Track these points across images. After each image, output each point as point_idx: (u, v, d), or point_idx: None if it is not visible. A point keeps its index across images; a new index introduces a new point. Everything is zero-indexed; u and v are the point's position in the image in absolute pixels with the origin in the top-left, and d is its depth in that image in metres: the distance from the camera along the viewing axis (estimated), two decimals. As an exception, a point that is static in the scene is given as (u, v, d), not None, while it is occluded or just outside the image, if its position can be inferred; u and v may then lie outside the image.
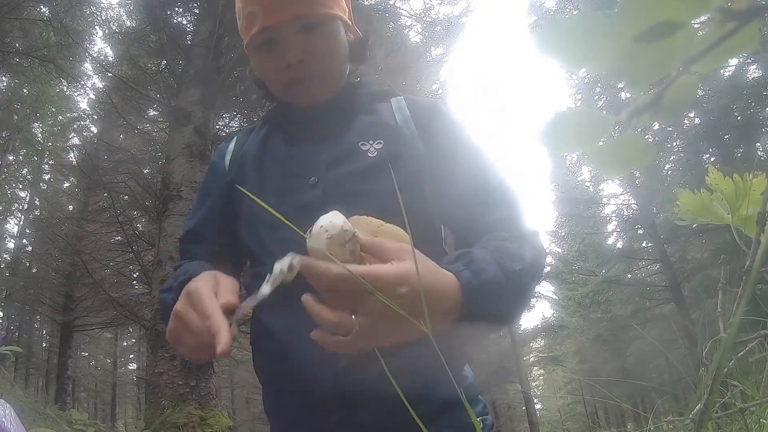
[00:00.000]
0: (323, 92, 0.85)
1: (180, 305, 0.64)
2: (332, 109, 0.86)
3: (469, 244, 0.71)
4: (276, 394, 0.82)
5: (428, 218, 0.81)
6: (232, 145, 0.94)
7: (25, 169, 14.59)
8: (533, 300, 15.34)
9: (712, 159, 9.47)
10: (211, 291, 0.64)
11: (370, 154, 0.80)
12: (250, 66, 0.91)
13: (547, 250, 0.79)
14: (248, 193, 0.68)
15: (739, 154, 8.88)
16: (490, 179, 0.79)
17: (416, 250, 0.54)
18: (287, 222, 0.55)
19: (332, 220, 0.55)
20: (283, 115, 0.90)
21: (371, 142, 0.81)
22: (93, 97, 10.36)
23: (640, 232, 12.32)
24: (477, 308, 0.59)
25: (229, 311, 0.61)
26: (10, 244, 14.42)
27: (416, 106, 0.87)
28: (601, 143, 0.23)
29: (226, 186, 0.90)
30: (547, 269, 15.67)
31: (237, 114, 7.41)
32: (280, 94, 0.87)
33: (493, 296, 0.60)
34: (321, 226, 0.54)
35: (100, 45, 11.64)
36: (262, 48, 0.81)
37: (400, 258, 0.55)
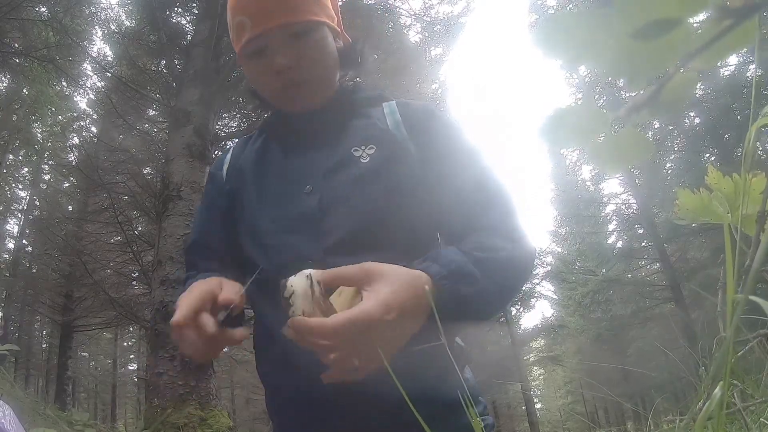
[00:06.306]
0: (314, 98, 0.85)
1: (180, 298, 0.67)
2: (326, 116, 0.86)
3: None
4: (279, 397, 0.82)
5: (423, 223, 0.81)
6: (229, 156, 0.95)
7: (25, 169, 14.59)
8: (533, 300, 15.30)
9: (712, 158, 9.47)
10: (208, 288, 0.67)
11: (362, 160, 0.80)
12: (246, 78, 0.93)
13: (538, 251, 0.81)
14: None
15: (739, 154, 8.86)
16: (484, 181, 0.79)
17: (376, 264, 0.58)
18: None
19: (295, 281, 0.56)
20: (279, 124, 0.91)
21: (363, 147, 0.82)
22: (92, 97, 10.31)
23: (640, 231, 12.33)
24: (451, 297, 0.60)
25: (224, 305, 0.65)
26: (10, 245, 14.42)
27: (407, 110, 0.87)
28: (600, 139, 0.23)
29: (225, 195, 0.91)
30: (547, 269, 15.69)
31: (237, 114, 7.41)
32: (272, 101, 0.88)
33: (465, 281, 0.62)
34: (291, 293, 0.55)
35: (100, 45, 11.63)
36: (253, 57, 0.82)
37: (367, 281, 0.57)
